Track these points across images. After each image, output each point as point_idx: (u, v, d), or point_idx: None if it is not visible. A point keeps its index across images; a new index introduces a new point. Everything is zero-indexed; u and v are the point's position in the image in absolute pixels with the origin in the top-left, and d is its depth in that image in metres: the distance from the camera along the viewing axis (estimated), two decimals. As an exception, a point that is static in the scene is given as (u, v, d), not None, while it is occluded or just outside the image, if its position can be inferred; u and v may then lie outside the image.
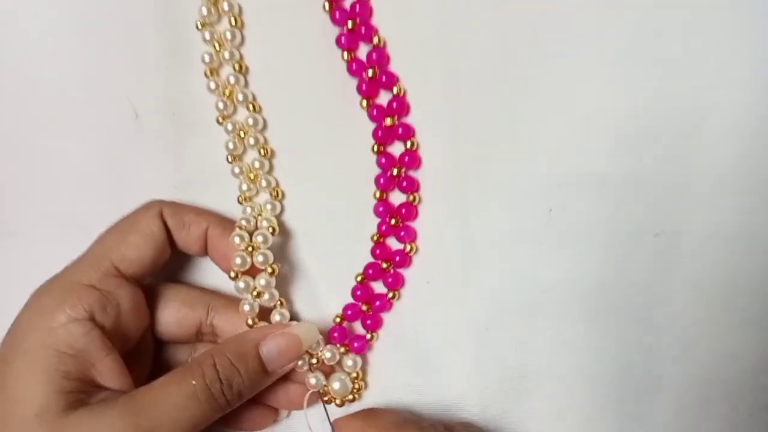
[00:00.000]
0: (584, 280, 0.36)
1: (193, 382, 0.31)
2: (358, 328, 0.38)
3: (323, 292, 0.38)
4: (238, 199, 0.38)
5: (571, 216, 0.35)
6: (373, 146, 0.36)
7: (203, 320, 0.36)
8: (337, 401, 0.37)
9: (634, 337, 0.36)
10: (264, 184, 0.38)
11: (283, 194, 0.38)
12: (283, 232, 0.38)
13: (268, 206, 0.38)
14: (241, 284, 0.36)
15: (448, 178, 0.36)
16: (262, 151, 0.38)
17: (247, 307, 0.36)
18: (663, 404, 0.36)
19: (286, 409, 0.38)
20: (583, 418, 0.36)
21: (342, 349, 0.37)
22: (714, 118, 0.34)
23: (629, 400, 0.36)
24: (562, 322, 0.36)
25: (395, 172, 0.36)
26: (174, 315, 0.36)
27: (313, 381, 0.36)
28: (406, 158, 0.36)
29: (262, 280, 0.36)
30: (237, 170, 0.38)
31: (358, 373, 0.37)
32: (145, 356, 0.36)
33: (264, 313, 0.36)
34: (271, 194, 0.38)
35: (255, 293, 0.36)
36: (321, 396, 0.36)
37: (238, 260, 0.35)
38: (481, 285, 0.36)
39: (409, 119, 0.36)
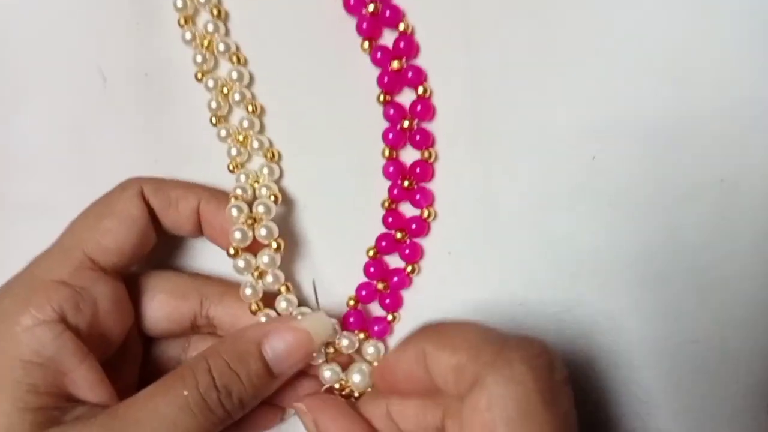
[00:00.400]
0: (632, 242, 0.30)
1: (185, 393, 0.27)
2: (375, 309, 0.33)
3: (332, 271, 0.33)
4: (228, 166, 0.33)
5: (615, 168, 0.30)
6: (379, 95, 0.31)
7: (197, 312, 0.32)
8: (357, 396, 0.32)
9: (693, 304, 0.30)
10: (256, 145, 0.33)
11: (279, 155, 0.33)
12: (282, 205, 0.33)
13: (266, 170, 0.33)
14: (241, 263, 0.31)
15: (468, 129, 0.31)
16: (250, 108, 0.33)
17: (249, 291, 0.31)
18: (730, 380, 0.31)
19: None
20: (636, 401, 0.31)
21: (361, 335, 0.32)
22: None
23: (691, 378, 0.31)
24: (606, 293, 0.31)
25: (406, 124, 0.31)
26: (163, 309, 0.32)
27: (328, 374, 0.31)
28: (418, 107, 0.31)
29: (265, 258, 0.31)
30: (223, 133, 0.33)
31: None
32: (132, 358, 0.32)
33: (268, 301, 0.32)
34: (265, 156, 0.33)
35: (257, 274, 0.31)
36: (338, 391, 0.32)
37: (238, 234, 0.31)
38: (511, 253, 0.31)
39: (420, 61, 0.31)
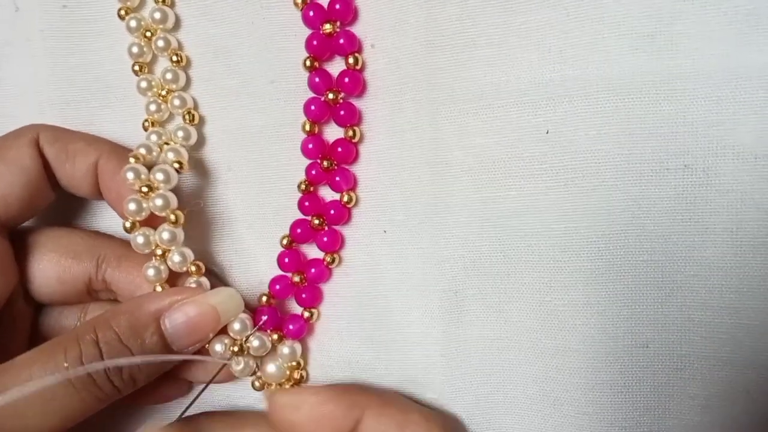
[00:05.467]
0: (585, 228, 0.26)
1: (65, 365, 0.24)
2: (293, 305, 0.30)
3: (252, 252, 0.30)
4: (143, 124, 0.30)
5: (573, 140, 0.26)
6: (305, 60, 0.27)
7: (92, 275, 0.28)
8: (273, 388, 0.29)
9: (650, 302, 0.26)
10: (177, 103, 0.29)
11: (202, 120, 0.30)
12: (201, 168, 0.30)
13: (180, 133, 0.29)
14: (140, 239, 0.28)
15: (408, 93, 0.27)
16: (175, 58, 0.29)
17: (151, 272, 0.28)
18: (687, 391, 0.26)
19: (202, 383, 0.30)
20: (579, 410, 0.27)
21: (275, 336, 0.29)
22: None
23: (641, 386, 0.26)
24: (552, 284, 0.27)
25: (330, 96, 0.27)
26: (52, 269, 0.28)
27: (239, 367, 0.28)
28: (346, 79, 0.27)
29: (165, 233, 0.28)
30: (144, 84, 0.29)
31: (299, 362, 0.29)
32: (19, 324, 0.29)
33: (177, 281, 0.29)
34: (184, 117, 0.29)
35: (160, 252, 0.28)
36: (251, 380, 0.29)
37: (132, 206, 0.27)
38: (450, 236, 0.27)
39: (356, 28, 0.27)
